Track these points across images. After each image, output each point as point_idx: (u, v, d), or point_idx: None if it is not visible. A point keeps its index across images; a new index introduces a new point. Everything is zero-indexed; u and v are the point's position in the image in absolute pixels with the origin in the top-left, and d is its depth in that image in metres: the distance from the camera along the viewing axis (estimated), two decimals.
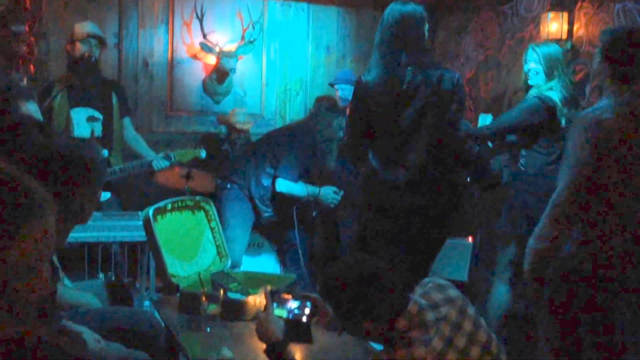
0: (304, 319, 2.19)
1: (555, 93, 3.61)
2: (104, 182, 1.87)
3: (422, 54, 3.12)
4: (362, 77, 3.21)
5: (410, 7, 3.10)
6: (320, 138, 4.29)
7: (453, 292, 1.98)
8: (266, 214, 4.39)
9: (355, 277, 1.89)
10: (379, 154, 3.21)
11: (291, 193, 4.29)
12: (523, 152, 3.69)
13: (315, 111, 4.48)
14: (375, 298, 1.86)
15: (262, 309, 2.28)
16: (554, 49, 3.75)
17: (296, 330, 2.15)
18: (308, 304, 2.22)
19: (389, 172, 3.16)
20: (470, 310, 1.96)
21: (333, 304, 1.94)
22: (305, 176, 4.41)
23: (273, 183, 4.28)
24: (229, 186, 4.34)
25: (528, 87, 3.77)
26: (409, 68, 3.06)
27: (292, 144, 4.28)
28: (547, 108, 3.56)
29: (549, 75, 3.66)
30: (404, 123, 3.10)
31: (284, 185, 4.24)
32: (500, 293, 3.74)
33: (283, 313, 2.21)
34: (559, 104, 3.58)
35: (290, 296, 2.26)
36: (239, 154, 4.78)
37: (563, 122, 3.57)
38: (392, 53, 3.09)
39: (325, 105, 4.46)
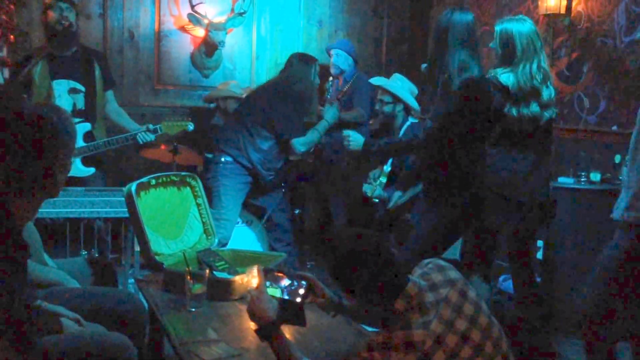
0: (298, 299, 2.07)
1: (508, 77, 3.11)
2: (74, 149, 1.71)
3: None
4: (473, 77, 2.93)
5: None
6: (300, 87, 4.17)
7: (454, 274, 1.87)
8: (269, 177, 4.26)
9: (352, 256, 1.77)
10: None
11: (312, 144, 4.25)
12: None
13: (288, 64, 4.35)
14: (372, 278, 1.75)
15: (253, 287, 2.16)
16: (516, 26, 3.13)
17: (289, 311, 2.03)
18: (302, 284, 2.10)
19: None
20: (472, 292, 1.85)
21: (329, 282, 1.83)
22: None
23: (279, 143, 4.14)
24: (223, 159, 4.15)
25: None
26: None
27: (279, 99, 4.13)
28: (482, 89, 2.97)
29: (506, 58, 3.13)
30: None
31: (302, 144, 4.14)
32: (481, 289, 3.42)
33: (276, 292, 2.09)
34: (512, 89, 3.08)
35: (284, 275, 2.14)
36: (225, 126, 4.64)
37: (513, 112, 3.12)
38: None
39: (296, 56, 4.37)
